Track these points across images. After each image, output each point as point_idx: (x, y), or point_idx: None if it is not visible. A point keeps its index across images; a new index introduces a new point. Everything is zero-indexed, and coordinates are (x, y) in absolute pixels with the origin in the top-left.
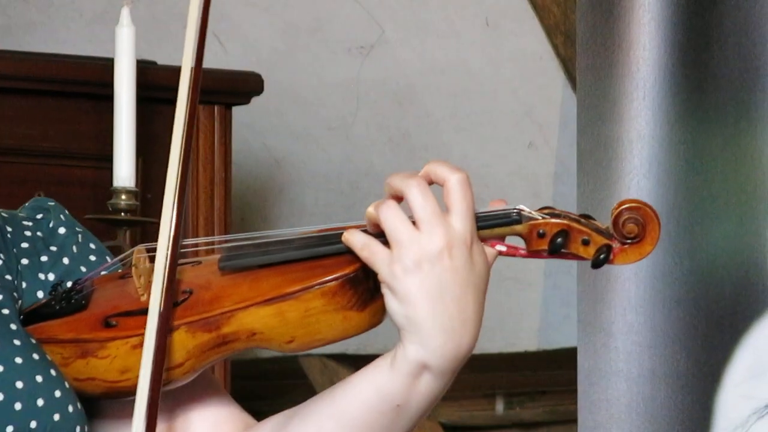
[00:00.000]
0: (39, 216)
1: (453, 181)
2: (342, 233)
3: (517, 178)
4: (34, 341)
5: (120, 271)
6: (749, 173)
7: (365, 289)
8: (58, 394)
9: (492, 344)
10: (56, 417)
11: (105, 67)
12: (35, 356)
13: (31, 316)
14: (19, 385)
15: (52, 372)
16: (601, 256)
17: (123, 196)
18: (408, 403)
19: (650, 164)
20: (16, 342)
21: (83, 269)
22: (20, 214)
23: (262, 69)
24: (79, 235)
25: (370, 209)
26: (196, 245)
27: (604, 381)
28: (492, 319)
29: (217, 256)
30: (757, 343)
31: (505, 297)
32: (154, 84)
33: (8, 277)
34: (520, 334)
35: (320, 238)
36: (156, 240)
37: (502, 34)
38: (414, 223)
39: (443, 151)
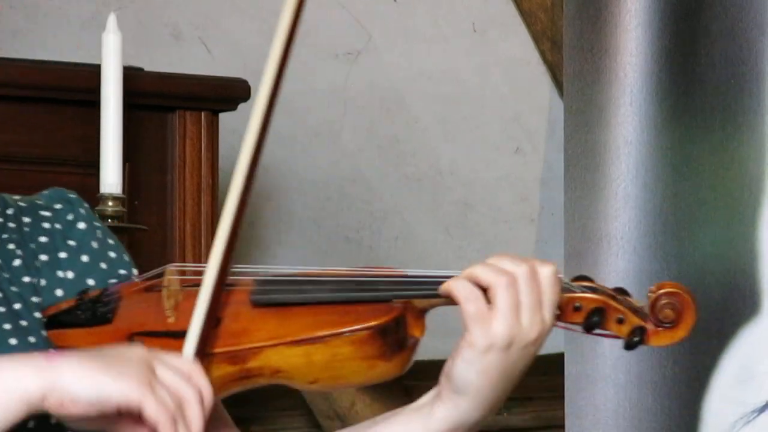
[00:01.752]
0: (58, 206)
1: (546, 274)
2: (379, 280)
3: (505, 183)
4: (47, 340)
5: (145, 282)
6: (736, 178)
7: (394, 339)
8: None
9: None
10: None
11: (92, 73)
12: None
13: (54, 321)
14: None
15: None
16: (635, 338)
17: (110, 203)
18: None
19: (637, 170)
20: (23, 338)
21: (103, 266)
22: (38, 202)
23: (248, 75)
24: (98, 231)
25: (481, 271)
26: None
27: (591, 387)
28: None
29: (249, 287)
30: (745, 349)
31: None
32: (141, 90)
33: (26, 279)
34: None
35: (356, 283)
36: (188, 260)
37: (490, 40)
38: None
39: (431, 157)
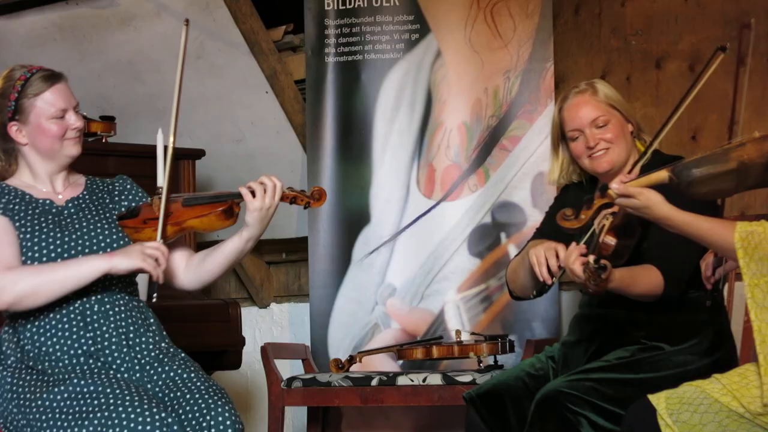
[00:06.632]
0: (122, 181)
1: (279, 184)
2: (229, 192)
3: (286, 163)
4: (120, 228)
5: (150, 202)
6: (362, 175)
7: (230, 213)
8: (127, 241)
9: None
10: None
11: (154, 147)
12: (121, 234)
13: (120, 217)
14: (114, 242)
15: (126, 239)
16: (306, 205)
17: (161, 186)
18: (244, 251)
19: (331, 172)
20: (114, 229)
21: (140, 201)
22: (115, 182)
23: (205, 146)
24: (140, 190)
25: (253, 183)
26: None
27: None
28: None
29: (181, 198)
30: (368, 236)
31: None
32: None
33: (111, 205)
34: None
35: (216, 195)
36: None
37: (281, 128)
38: (265, 191)
39: (251, 161)
